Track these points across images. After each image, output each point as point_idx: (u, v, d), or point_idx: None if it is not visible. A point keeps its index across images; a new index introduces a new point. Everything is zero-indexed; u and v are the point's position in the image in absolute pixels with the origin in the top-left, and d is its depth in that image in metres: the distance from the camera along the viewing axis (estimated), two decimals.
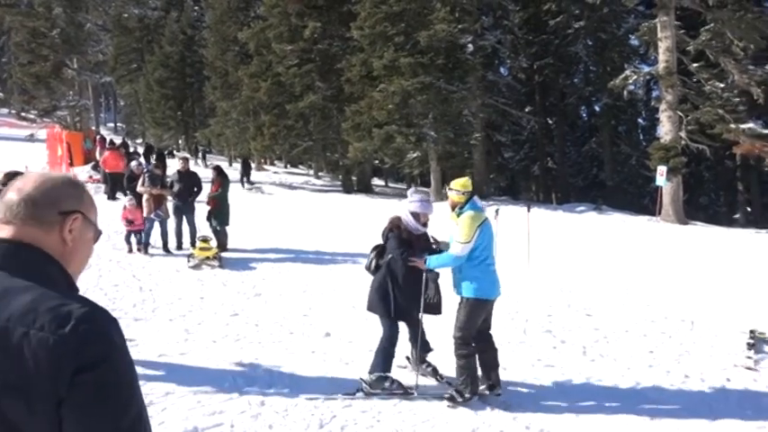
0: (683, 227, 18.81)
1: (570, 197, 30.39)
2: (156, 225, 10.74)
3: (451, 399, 4.64)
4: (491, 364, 4.89)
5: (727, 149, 22.49)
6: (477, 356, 4.79)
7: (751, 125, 19.66)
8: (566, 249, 12.84)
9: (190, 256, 10.03)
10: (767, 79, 20.18)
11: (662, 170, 19.02)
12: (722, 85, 19.92)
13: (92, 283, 8.28)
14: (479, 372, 4.85)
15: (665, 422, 4.49)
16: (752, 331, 6.57)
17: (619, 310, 7.65)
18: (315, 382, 5.10)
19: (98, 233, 1.36)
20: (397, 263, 4.82)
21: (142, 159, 23.29)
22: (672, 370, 5.64)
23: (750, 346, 6.12)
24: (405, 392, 4.68)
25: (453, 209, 4.83)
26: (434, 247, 5.08)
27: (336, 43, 26.95)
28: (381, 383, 4.70)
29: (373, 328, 6.79)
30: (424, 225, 4.94)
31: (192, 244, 10.53)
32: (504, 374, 5.39)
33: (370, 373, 4.80)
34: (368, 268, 5.18)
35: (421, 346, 5.14)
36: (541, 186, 35.83)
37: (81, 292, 1.27)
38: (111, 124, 66.68)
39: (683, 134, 20.28)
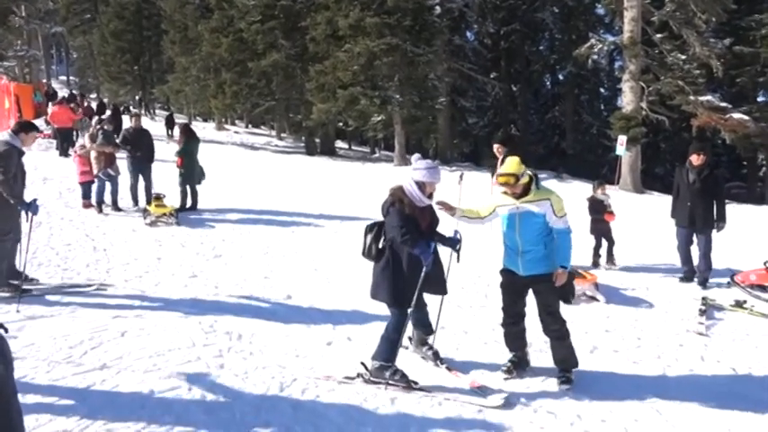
0: (639, 195, 19.26)
1: (532, 164, 30.62)
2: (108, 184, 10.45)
3: (567, 381, 4.54)
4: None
5: (684, 121, 22.97)
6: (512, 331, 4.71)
7: (709, 97, 20.09)
8: None
9: (145, 212, 9.91)
10: (726, 53, 20.56)
11: (622, 140, 19.32)
12: (683, 57, 20.19)
13: (42, 242, 7.95)
14: (505, 342, 4.81)
15: (620, 383, 4.61)
16: (704, 298, 6.78)
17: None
18: (275, 346, 5.04)
19: None
20: (400, 246, 4.34)
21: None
22: (627, 335, 5.77)
23: (702, 313, 6.31)
24: (407, 385, 4.30)
25: (511, 191, 4.46)
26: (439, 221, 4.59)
27: (300, 0, 26.21)
28: (383, 373, 4.35)
29: (335, 289, 6.75)
30: (429, 196, 4.37)
31: (148, 202, 10.32)
32: (465, 338, 5.43)
33: (374, 359, 4.45)
34: (367, 254, 4.55)
35: (423, 329, 4.80)
36: None
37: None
38: (64, 77, 63.92)
39: (643, 104, 20.59)
